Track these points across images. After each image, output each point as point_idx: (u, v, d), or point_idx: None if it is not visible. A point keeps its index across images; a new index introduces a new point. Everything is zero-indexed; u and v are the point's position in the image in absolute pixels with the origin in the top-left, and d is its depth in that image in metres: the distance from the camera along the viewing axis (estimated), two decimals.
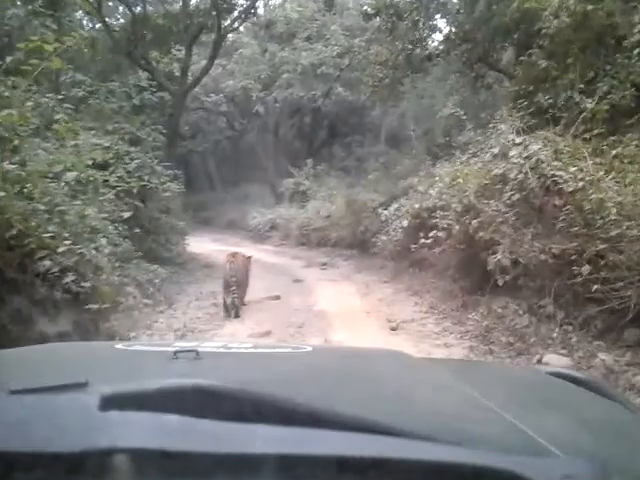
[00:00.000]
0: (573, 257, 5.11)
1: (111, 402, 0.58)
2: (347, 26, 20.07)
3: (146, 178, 9.24)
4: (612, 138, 6.07)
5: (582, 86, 7.05)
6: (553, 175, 5.62)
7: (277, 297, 8.28)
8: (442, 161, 9.61)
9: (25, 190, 4.99)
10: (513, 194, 5.98)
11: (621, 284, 4.60)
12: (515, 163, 6.01)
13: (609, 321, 4.94)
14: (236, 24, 18.15)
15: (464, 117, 9.84)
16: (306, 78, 19.87)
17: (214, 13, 15.51)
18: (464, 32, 11.92)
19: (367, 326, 6.61)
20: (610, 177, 5.33)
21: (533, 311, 5.70)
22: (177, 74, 16.36)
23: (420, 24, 12.73)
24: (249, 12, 17.77)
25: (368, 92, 14.59)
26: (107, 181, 7.16)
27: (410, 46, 12.78)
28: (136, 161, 9.26)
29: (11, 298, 4.55)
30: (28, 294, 4.66)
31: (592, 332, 5.05)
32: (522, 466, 0.56)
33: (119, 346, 1.29)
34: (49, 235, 4.78)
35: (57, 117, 7.39)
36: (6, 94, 5.64)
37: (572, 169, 5.52)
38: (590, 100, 6.69)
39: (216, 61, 17.60)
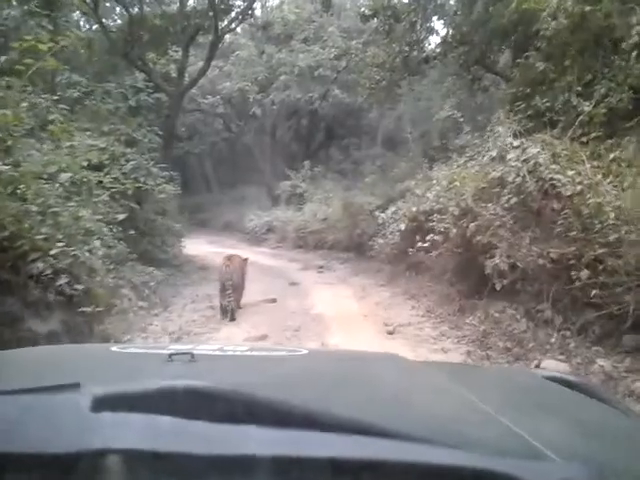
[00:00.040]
0: (571, 261, 5.10)
1: (104, 403, 0.59)
2: (344, 28, 20.13)
3: (142, 180, 9.23)
4: (610, 141, 6.07)
5: (579, 89, 7.03)
6: (551, 179, 5.60)
7: (273, 300, 8.24)
8: (439, 164, 9.61)
9: (18, 191, 4.97)
10: (511, 197, 5.96)
11: (620, 289, 4.57)
12: (513, 166, 5.99)
13: (608, 326, 4.90)
14: (233, 25, 18.18)
15: (461, 120, 9.87)
16: (303, 80, 19.89)
17: (211, 14, 15.50)
18: (461, 34, 11.94)
19: (364, 330, 6.56)
20: (608, 181, 5.32)
21: (531, 316, 5.66)
22: (174, 75, 16.34)
23: (417, 26, 12.76)
24: (246, 13, 17.74)
25: (365, 94, 14.63)
26: (102, 182, 7.12)
27: (407, 48, 12.80)
28: (132, 162, 9.21)
29: (4, 300, 4.53)
30: (21, 296, 4.64)
31: (590, 337, 5.01)
32: (518, 469, 0.57)
33: (114, 348, 1.29)
34: (42, 237, 4.76)
35: (52, 118, 7.35)
36: (0, 94, 5.60)
37: (570, 173, 5.51)
38: (588, 103, 6.67)
39: (213, 62, 17.58)
